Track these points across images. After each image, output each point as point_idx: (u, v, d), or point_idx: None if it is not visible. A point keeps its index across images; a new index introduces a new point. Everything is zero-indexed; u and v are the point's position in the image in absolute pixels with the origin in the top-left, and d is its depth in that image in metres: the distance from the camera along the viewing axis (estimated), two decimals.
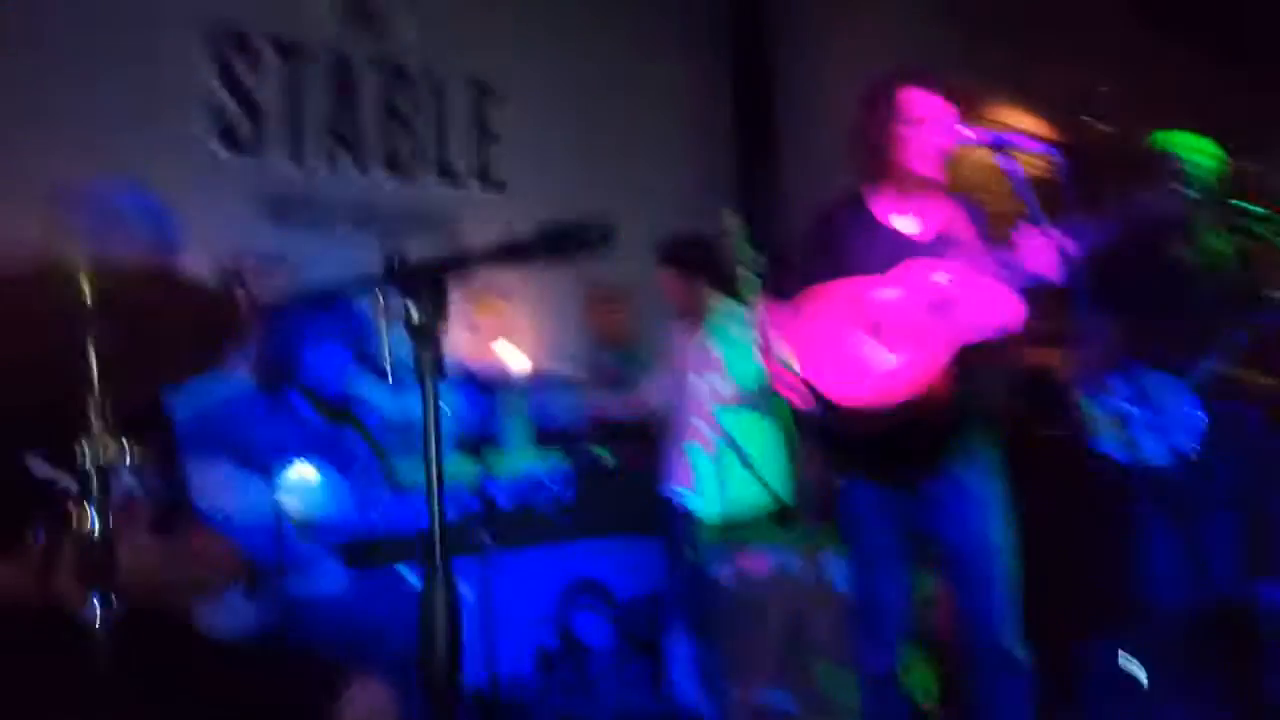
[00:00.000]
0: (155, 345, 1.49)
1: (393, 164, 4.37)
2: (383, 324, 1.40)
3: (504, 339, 4.59)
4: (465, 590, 2.79)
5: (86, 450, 1.40)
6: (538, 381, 3.86)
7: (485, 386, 4.04)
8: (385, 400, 3.35)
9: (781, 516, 3.80)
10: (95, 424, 1.40)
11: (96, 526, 1.41)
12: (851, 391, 2.47)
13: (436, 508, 1.32)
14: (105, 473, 1.43)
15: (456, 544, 3.05)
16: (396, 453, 3.79)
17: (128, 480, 1.95)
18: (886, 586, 2.62)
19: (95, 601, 1.40)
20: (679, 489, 3.87)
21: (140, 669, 1.81)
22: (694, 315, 3.88)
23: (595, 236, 1.34)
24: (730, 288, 3.78)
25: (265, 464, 2.90)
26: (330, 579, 2.87)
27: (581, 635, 4.21)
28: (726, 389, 3.83)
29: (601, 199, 4.85)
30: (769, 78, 5.42)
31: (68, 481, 1.86)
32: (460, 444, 4.11)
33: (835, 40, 5.14)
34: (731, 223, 3.51)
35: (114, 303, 1.38)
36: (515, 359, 4.41)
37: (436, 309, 1.35)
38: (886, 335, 2.48)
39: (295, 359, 2.96)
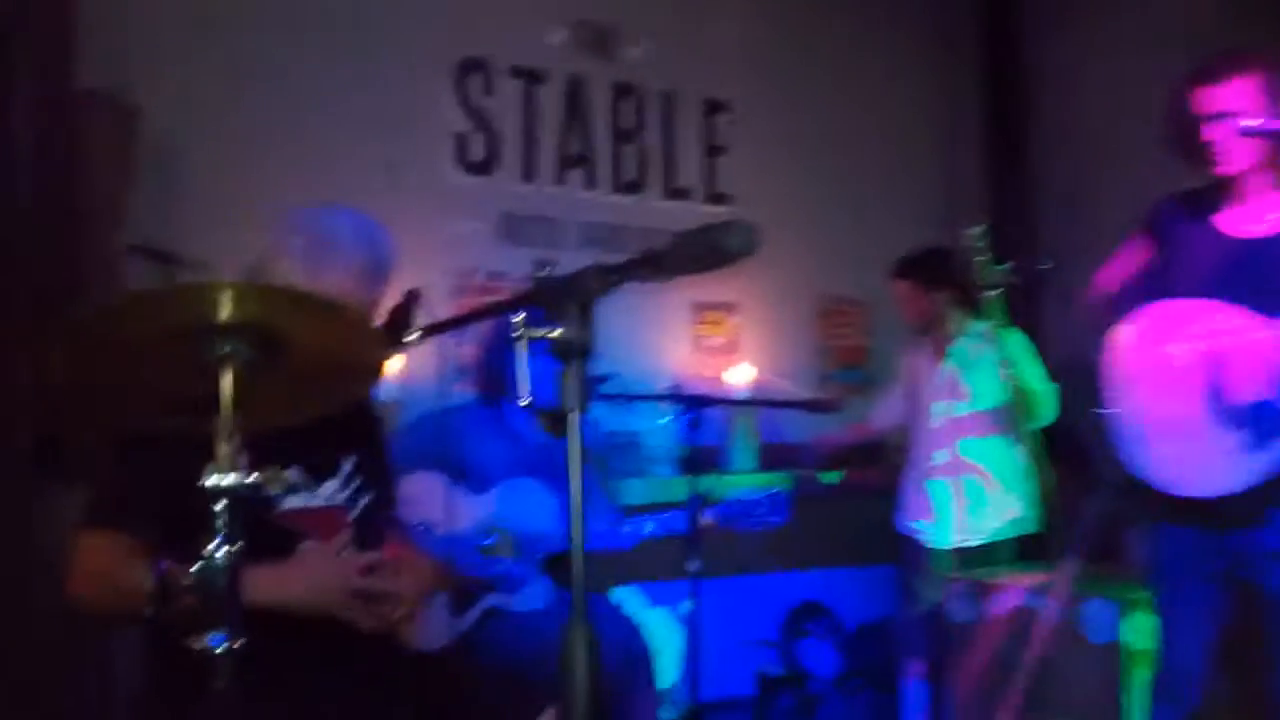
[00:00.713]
0: (291, 371, 1.47)
1: (621, 181, 4.38)
2: (520, 343, 1.31)
3: (730, 356, 4.51)
4: (681, 610, 2.76)
5: (213, 475, 1.38)
6: (765, 400, 3.74)
7: (709, 405, 3.96)
8: (606, 417, 3.34)
9: (1029, 554, 3.51)
10: (222, 448, 1.38)
11: (220, 555, 1.38)
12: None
13: (578, 539, 1.23)
14: (234, 498, 1.40)
15: (665, 567, 3.02)
16: (615, 471, 3.79)
17: (330, 490, 2.00)
18: (1189, 640, 2.39)
19: (214, 633, 1.39)
20: (916, 522, 3.64)
21: (338, 678, 1.85)
22: (932, 333, 3.65)
23: (737, 241, 1.21)
24: (973, 304, 3.53)
25: (480, 478, 2.94)
26: (538, 595, 2.86)
27: (806, 662, 4.04)
28: (969, 414, 3.57)
29: (834, 211, 4.72)
30: (1019, 77, 5.06)
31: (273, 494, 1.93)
32: (680, 464, 4.06)
33: (1093, 35, 4.73)
34: (976, 235, 3.26)
35: (250, 323, 1.37)
36: (741, 376, 4.31)
37: (583, 326, 1.25)
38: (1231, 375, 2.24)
39: (512, 371, 2.98)
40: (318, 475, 1.99)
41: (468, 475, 2.94)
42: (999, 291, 3.22)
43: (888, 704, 3.59)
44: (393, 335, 1.95)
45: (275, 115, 3.71)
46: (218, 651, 1.35)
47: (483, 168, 4.10)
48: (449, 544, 2.82)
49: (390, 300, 2.04)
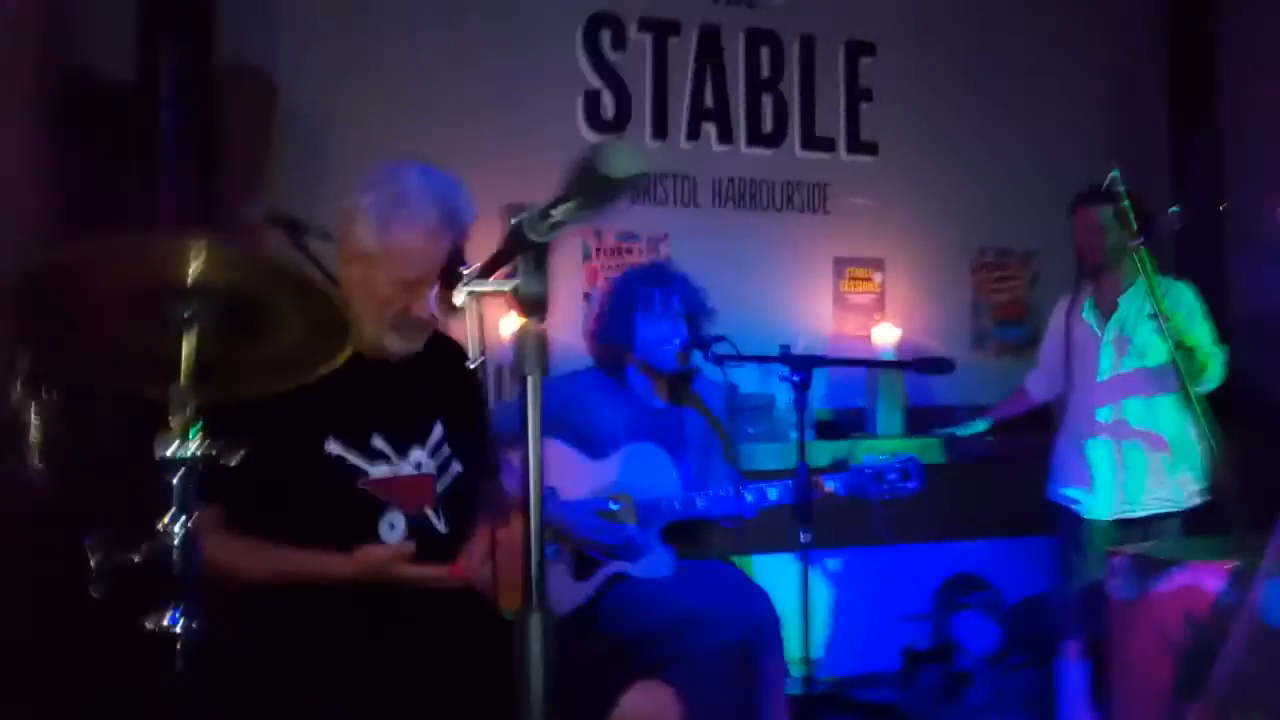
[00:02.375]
0: (255, 338, 1.40)
1: (758, 133, 4.20)
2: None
3: (876, 314, 4.28)
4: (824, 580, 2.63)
5: (167, 445, 1.31)
6: (914, 360, 3.52)
7: (819, 366, 3.76)
8: (731, 380, 3.20)
9: (1197, 527, 3.19)
10: (177, 416, 1.31)
11: (177, 528, 1.31)
12: None
13: (534, 503, 1.11)
14: (190, 470, 1.33)
15: (775, 538, 2.88)
16: (747, 435, 3.66)
17: (417, 459, 1.96)
18: None
19: (171, 618, 1.31)
20: (1073, 490, 3.36)
21: (428, 647, 1.82)
22: (1104, 277, 3.33)
23: (618, 162, 1.05)
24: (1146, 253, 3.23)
25: (601, 444, 2.88)
26: (658, 563, 2.78)
27: (961, 636, 3.83)
28: (1136, 370, 3.26)
29: (990, 158, 4.40)
30: (1204, 16, 4.57)
31: (359, 462, 1.91)
32: (820, 428, 3.89)
33: None
34: (1117, 185, 2.97)
35: (216, 286, 1.30)
36: (886, 336, 4.09)
37: (537, 278, 1.13)
38: None
39: (632, 334, 2.90)
40: (404, 443, 1.95)
41: (589, 441, 2.89)
42: (1141, 242, 2.95)
43: (1046, 684, 3.34)
44: (444, 295, 1.89)
45: (407, 82, 3.72)
46: (176, 630, 1.29)
47: (614, 125, 4.00)
48: (571, 509, 2.78)
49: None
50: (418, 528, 1.94)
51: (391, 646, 1.80)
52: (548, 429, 2.89)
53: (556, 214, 1.11)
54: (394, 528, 1.92)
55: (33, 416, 2.31)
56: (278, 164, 3.50)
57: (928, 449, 3.65)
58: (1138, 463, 3.26)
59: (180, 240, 1.29)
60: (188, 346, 1.30)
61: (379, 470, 1.92)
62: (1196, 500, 3.26)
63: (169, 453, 1.32)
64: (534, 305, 1.13)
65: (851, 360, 3.64)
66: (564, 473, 2.85)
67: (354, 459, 1.90)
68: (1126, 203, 2.99)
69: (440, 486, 1.98)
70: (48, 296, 1.28)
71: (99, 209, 3.05)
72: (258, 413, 1.78)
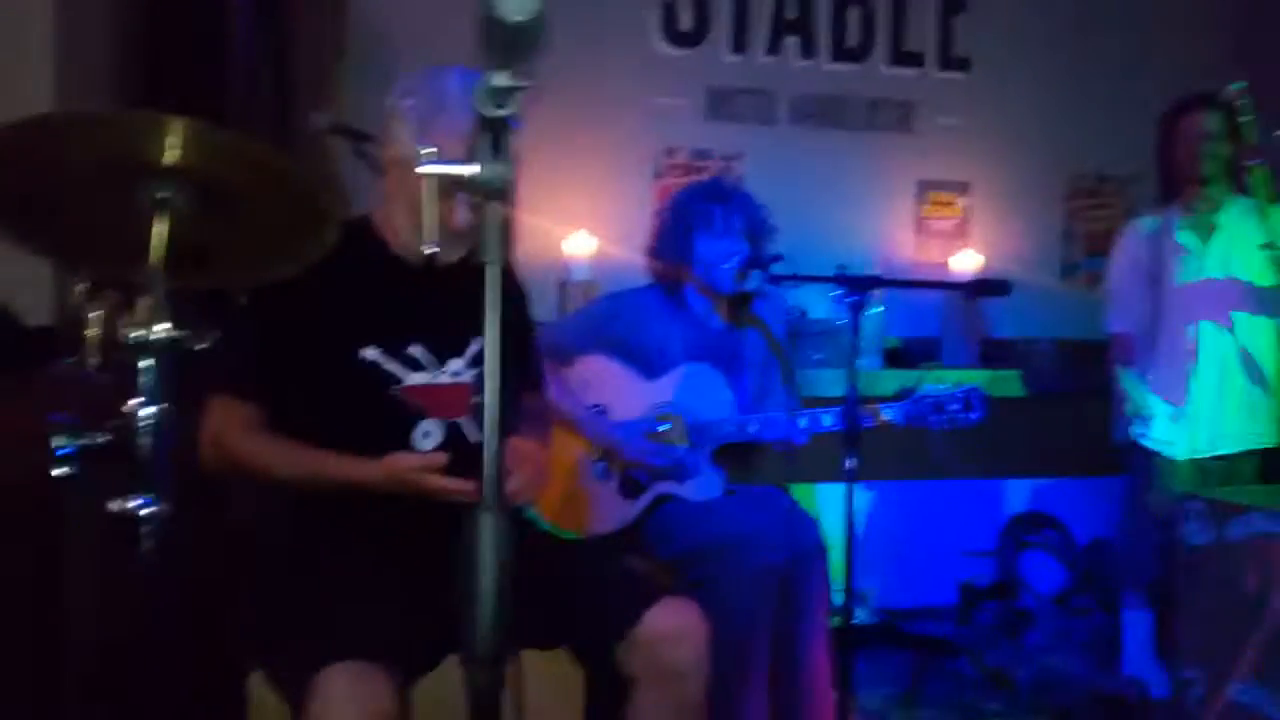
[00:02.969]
0: (233, 224, 1.37)
1: (843, 47, 4.03)
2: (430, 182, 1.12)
3: (959, 241, 4.12)
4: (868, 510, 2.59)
5: (131, 330, 1.30)
6: (970, 282, 3.37)
7: (912, 287, 3.63)
8: (797, 304, 3.12)
9: (1274, 472, 3.02)
10: (145, 299, 1.29)
11: (145, 413, 1.30)
12: None
13: (492, 419, 1.07)
14: (157, 354, 1.32)
15: (831, 466, 2.82)
16: (807, 361, 3.57)
17: (455, 368, 1.95)
18: None
19: (139, 502, 1.31)
20: (1149, 419, 3.20)
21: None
22: (1196, 195, 3.13)
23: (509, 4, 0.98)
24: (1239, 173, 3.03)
25: (656, 363, 2.85)
26: (711, 484, 2.76)
27: (1027, 575, 3.73)
28: (1230, 280, 3.08)
29: (1088, 78, 4.15)
30: None
31: (395, 369, 1.91)
32: (889, 355, 3.78)
33: None
34: (1237, 93, 2.76)
35: (191, 169, 1.27)
36: (968, 263, 3.93)
37: (498, 161, 1.06)
38: None
39: (691, 252, 2.83)
40: (443, 352, 1.95)
41: (644, 360, 2.86)
42: (1262, 162, 2.73)
43: (1112, 629, 3.24)
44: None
45: None
46: (144, 514, 1.30)
47: (691, 39, 3.88)
48: (622, 429, 2.77)
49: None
50: (452, 437, 1.94)
51: (411, 558, 1.81)
52: (603, 344, 2.89)
53: (495, 81, 1.05)
54: (428, 436, 1.92)
55: (94, 315, 2.37)
56: (346, 75, 3.49)
57: (1002, 381, 3.52)
58: (1234, 389, 3.09)
59: (153, 117, 1.27)
60: (159, 228, 1.28)
61: (415, 378, 1.92)
62: (1273, 442, 3.09)
63: (134, 335, 1.31)
64: (493, 190, 1.08)
65: (910, 282, 3.52)
66: (617, 391, 2.83)
67: (390, 366, 1.90)
68: (1247, 116, 2.80)
69: (476, 397, 1.97)
70: (23, 163, 1.28)
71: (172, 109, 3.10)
72: (298, 314, 1.81)
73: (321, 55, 3.47)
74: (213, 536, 1.42)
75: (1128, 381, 3.19)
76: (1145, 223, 3.25)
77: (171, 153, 1.25)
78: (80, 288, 2.37)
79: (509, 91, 1.03)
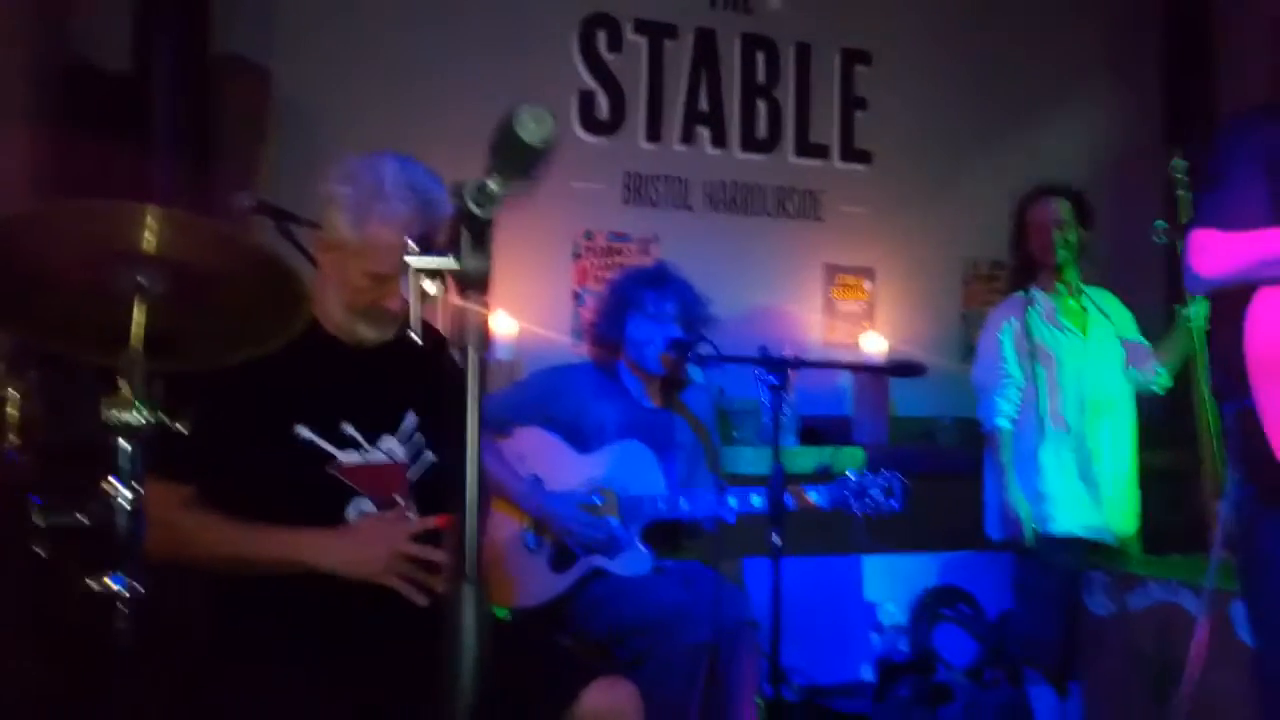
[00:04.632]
0: (207, 309, 1.40)
1: (752, 138, 4.21)
2: (412, 276, 1.18)
3: (865, 323, 4.29)
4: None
5: (113, 413, 1.32)
6: (886, 365, 3.51)
7: (827, 369, 3.77)
8: (718, 383, 3.20)
9: (1155, 543, 3.19)
10: (124, 387, 1.32)
11: (122, 495, 1.32)
12: None
13: (469, 502, 1.11)
14: (135, 437, 1.34)
15: (748, 543, 2.88)
16: (728, 439, 3.66)
17: (389, 447, 1.96)
18: None
19: (114, 581, 1.32)
20: (1030, 503, 3.27)
21: (388, 642, 1.82)
22: (1052, 281, 3.32)
23: (529, 129, 1.06)
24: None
25: (590, 438, 2.89)
26: (637, 560, 2.79)
27: (941, 650, 3.83)
28: (1096, 384, 3.26)
29: (983, 170, 4.40)
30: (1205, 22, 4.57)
31: (328, 448, 1.91)
32: (804, 434, 3.89)
33: None
34: (1178, 168, 2.98)
35: (168, 256, 1.30)
36: (874, 345, 4.09)
37: (478, 254, 1.13)
38: None
39: (623, 332, 2.91)
40: (375, 431, 1.96)
41: (579, 434, 2.90)
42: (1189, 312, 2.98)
43: (1018, 699, 3.33)
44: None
45: (402, 76, 3.74)
46: (118, 591, 1.30)
47: (608, 127, 4.01)
48: (557, 499, 2.78)
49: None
50: None
51: (345, 635, 1.79)
52: (539, 419, 2.92)
53: (490, 185, 1.11)
54: (362, 514, 1.92)
55: (10, 396, 2.31)
56: (271, 155, 3.51)
57: (911, 458, 3.64)
58: (1099, 475, 3.22)
59: (133, 207, 1.29)
60: (139, 314, 1.30)
61: (349, 457, 1.92)
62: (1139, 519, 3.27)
63: (115, 418, 1.32)
64: (474, 282, 1.13)
65: (826, 364, 3.65)
66: (551, 463, 2.86)
67: (323, 444, 1.90)
68: (1184, 192, 2.98)
69: (413, 475, 1.98)
70: (4, 253, 1.28)
71: (92, 196, 3.06)
72: (229, 392, 1.80)
73: (245, 134, 3.49)
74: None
75: (1013, 480, 3.23)
76: (999, 313, 3.36)
77: (149, 240, 1.26)
78: None
79: (499, 197, 1.09)
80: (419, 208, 1.87)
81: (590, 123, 3.99)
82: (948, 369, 3.96)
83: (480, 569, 1.12)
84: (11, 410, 2.29)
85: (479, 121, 3.82)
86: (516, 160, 1.08)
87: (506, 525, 2.80)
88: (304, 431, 1.89)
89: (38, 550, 1.24)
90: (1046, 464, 3.23)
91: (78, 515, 1.26)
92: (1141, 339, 3.33)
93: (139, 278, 1.31)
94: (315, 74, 3.63)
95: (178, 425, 1.35)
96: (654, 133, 4.08)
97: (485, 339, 1.14)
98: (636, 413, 2.96)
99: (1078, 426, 3.22)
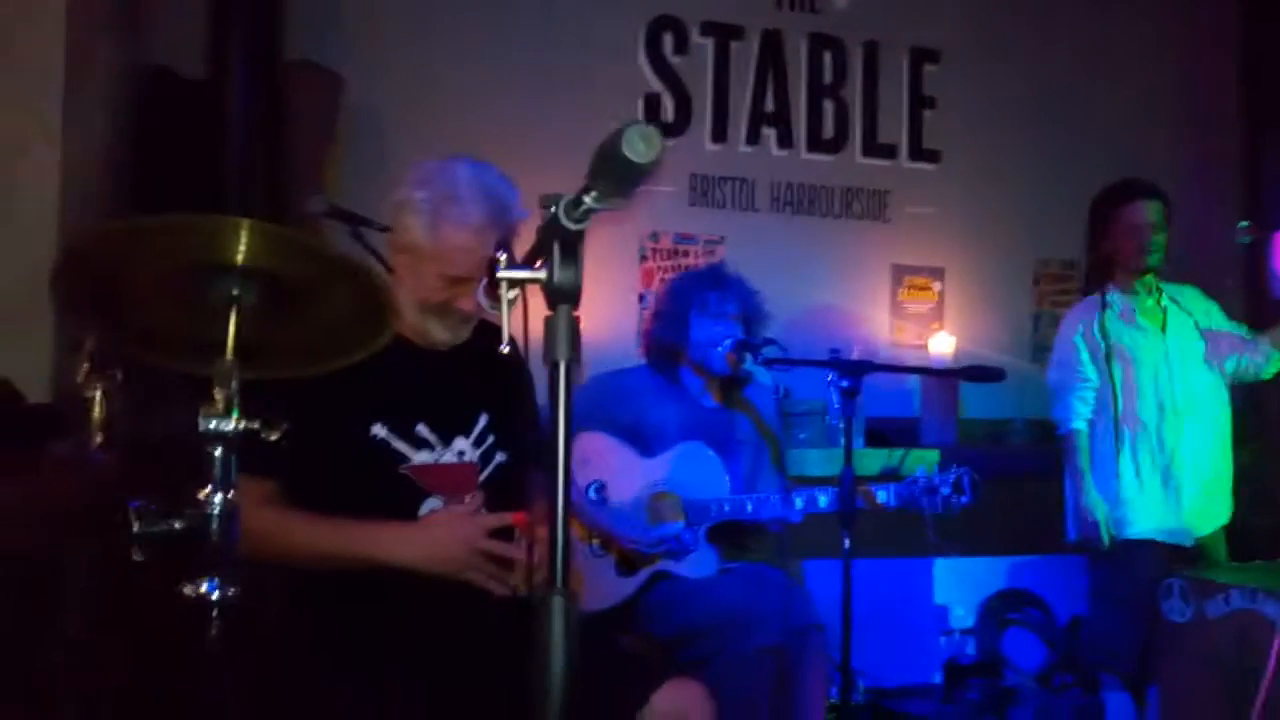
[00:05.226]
0: (299, 319, 1.43)
1: (819, 138, 4.18)
2: (502, 286, 1.19)
3: (934, 324, 4.24)
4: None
5: (209, 420, 1.34)
6: (963, 369, 3.46)
7: (901, 372, 3.72)
8: (783, 384, 3.19)
9: (1242, 548, 3.10)
10: (219, 392, 1.34)
11: (216, 500, 1.35)
12: None
13: (560, 509, 1.12)
14: (230, 445, 1.36)
15: (822, 544, 2.86)
16: (793, 441, 3.64)
17: (461, 447, 1.99)
18: None
19: (207, 587, 1.35)
20: (1107, 506, 3.20)
21: (465, 641, 1.84)
22: (1145, 281, 3.24)
23: (635, 148, 1.06)
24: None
25: (652, 441, 2.89)
26: (706, 562, 2.79)
27: (1009, 652, 3.77)
28: (1176, 382, 3.19)
29: (1053, 168, 4.33)
30: None
31: (403, 448, 1.94)
32: (870, 436, 3.86)
33: None
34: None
35: (261, 267, 1.33)
36: (942, 346, 4.04)
37: (567, 267, 1.14)
38: None
39: (686, 334, 2.91)
40: (449, 431, 1.98)
41: (640, 438, 2.90)
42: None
43: (1092, 705, 3.27)
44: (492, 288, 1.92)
45: (469, 81, 3.79)
46: (213, 598, 1.33)
47: (674, 128, 4.02)
48: (616, 520, 2.79)
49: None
50: None
51: (420, 630, 1.82)
52: (600, 423, 2.93)
53: (587, 201, 1.12)
54: (434, 514, 1.94)
55: (96, 395, 2.38)
56: (340, 159, 3.57)
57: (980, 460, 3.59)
58: (1181, 481, 3.14)
59: (226, 220, 1.32)
60: (233, 324, 1.34)
61: (422, 457, 1.95)
62: (1230, 519, 3.19)
63: (211, 426, 1.35)
64: (565, 294, 1.15)
65: (900, 367, 3.61)
66: (615, 467, 2.87)
67: (398, 444, 1.93)
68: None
69: (484, 475, 2.00)
70: (97, 273, 1.33)
71: (169, 201, 3.14)
72: (308, 392, 1.84)
73: (316, 139, 3.55)
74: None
75: (1089, 484, 3.18)
76: (1075, 314, 3.30)
77: (243, 252, 1.30)
78: (83, 367, 2.38)
79: (592, 212, 1.11)
80: (493, 212, 1.90)
81: (656, 124, 3.97)
82: (1018, 370, 3.91)
83: (569, 580, 1.14)
84: (96, 410, 2.36)
85: (544, 125, 3.89)
86: (620, 178, 1.09)
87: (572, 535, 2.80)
88: (379, 431, 1.92)
89: (135, 555, 1.27)
90: (1124, 467, 3.16)
91: (174, 522, 1.30)
92: (1235, 326, 3.25)
93: (234, 289, 1.34)
94: (385, 79, 3.69)
95: (270, 434, 1.38)
96: (720, 134, 4.08)
97: (576, 351, 1.15)
98: (698, 413, 2.96)
99: (1157, 428, 3.15)
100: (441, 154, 2.06)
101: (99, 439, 2.34)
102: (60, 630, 2.07)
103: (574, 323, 1.16)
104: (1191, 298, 3.27)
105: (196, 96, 3.36)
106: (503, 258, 1.18)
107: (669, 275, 3.77)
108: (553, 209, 1.15)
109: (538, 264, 1.19)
